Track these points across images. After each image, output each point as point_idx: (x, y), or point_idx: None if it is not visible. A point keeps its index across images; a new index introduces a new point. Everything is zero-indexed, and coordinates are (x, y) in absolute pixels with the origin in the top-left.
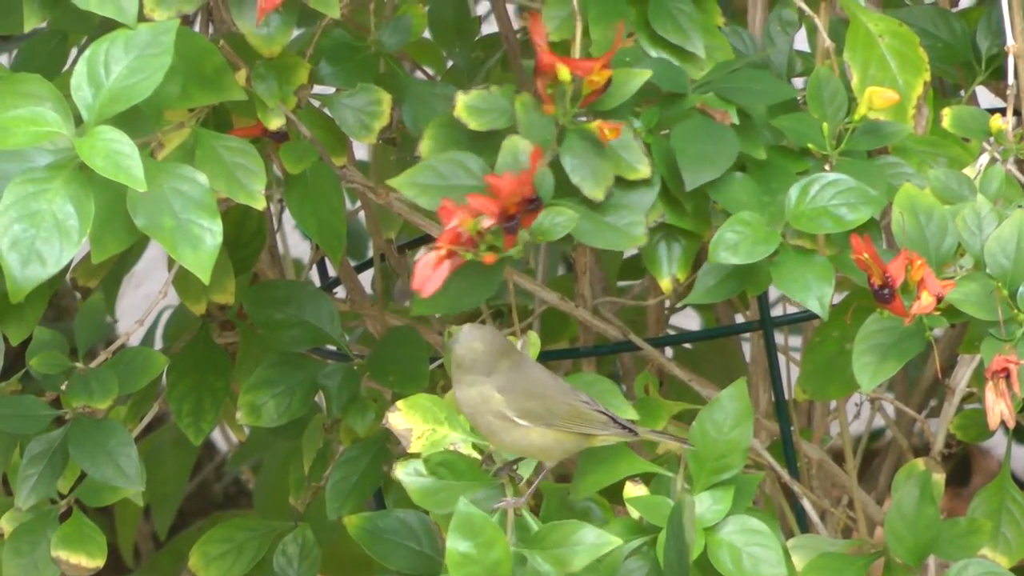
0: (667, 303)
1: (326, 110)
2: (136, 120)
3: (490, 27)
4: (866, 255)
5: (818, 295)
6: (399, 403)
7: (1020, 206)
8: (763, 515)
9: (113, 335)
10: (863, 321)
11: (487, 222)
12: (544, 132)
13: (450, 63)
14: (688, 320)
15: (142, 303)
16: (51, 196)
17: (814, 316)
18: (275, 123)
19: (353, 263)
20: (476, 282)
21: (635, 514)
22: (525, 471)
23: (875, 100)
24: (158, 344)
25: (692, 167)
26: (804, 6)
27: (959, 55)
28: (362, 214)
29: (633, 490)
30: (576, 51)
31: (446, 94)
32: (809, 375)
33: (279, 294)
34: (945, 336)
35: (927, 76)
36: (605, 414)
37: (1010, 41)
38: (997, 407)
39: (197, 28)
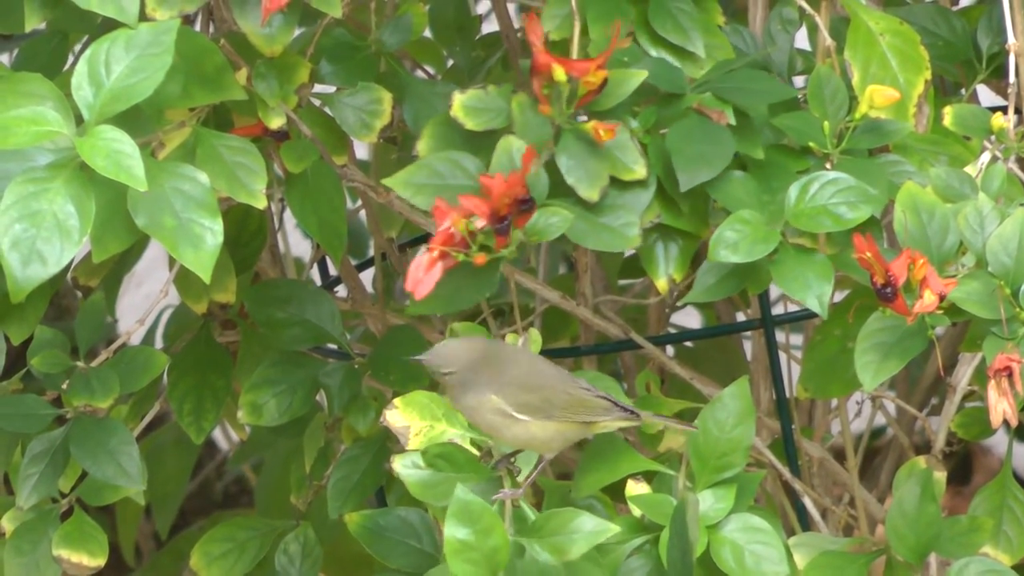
0: (668, 301)
1: (327, 109)
2: (137, 119)
3: (491, 26)
4: (868, 254)
5: (818, 294)
6: (396, 400)
7: (1022, 204)
8: (765, 513)
9: (114, 334)
10: (865, 319)
11: (479, 223)
12: (540, 132)
13: (451, 62)
14: (689, 318)
15: (143, 302)
16: (52, 196)
17: (815, 314)
18: (276, 122)
19: (354, 262)
20: (472, 282)
21: (637, 512)
22: (524, 464)
23: (876, 98)
24: (159, 343)
25: (688, 167)
26: (805, 5)
27: (960, 53)
28: (363, 213)
29: (635, 488)
30: (574, 50)
31: (447, 93)
32: (810, 373)
33: (280, 293)
34: (947, 334)
35: (928, 74)
36: (606, 399)
37: (1011, 39)
38: (999, 405)
39: (198, 27)
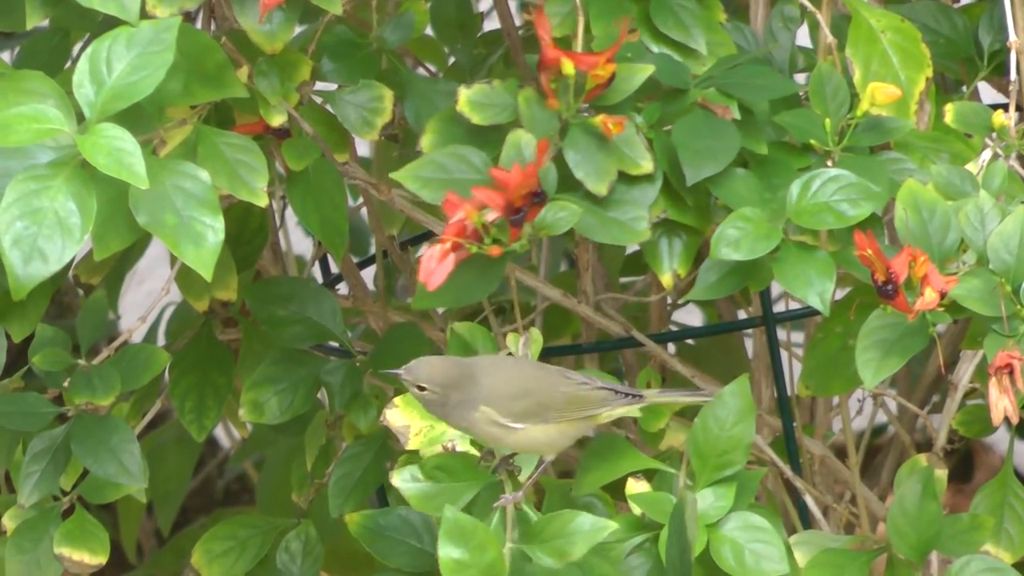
0: (669, 299)
1: (328, 107)
2: (138, 117)
3: (492, 23)
4: (869, 251)
5: (819, 291)
6: (397, 400)
7: (1023, 202)
8: (765, 511)
9: (115, 332)
10: (866, 317)
11: (492, 215)
12: (547, 127)
13: (452, 59)
14: (690, 316)
15: (144, 300)
16: (53, 193)
17: (816, 312)
18: (277, 120)
19: (355, 259)
20: (478, 277)
21: (637, 510)
22: (524, 463)
23: (877, 96)
24: (161, 341)
25: (693, 162)
26: (806, 2)
27: (961, 51)
28: (364, 210)
29: (635, 486)
30: (578, 47)
31: (448, 90)
32: (812, 371)
33: (281, 291)
34: (948, 332)
35: (929, 72)
36: (606, 388)
37: (1012, 37)
38: (1000, 403)
39: (199, 25)
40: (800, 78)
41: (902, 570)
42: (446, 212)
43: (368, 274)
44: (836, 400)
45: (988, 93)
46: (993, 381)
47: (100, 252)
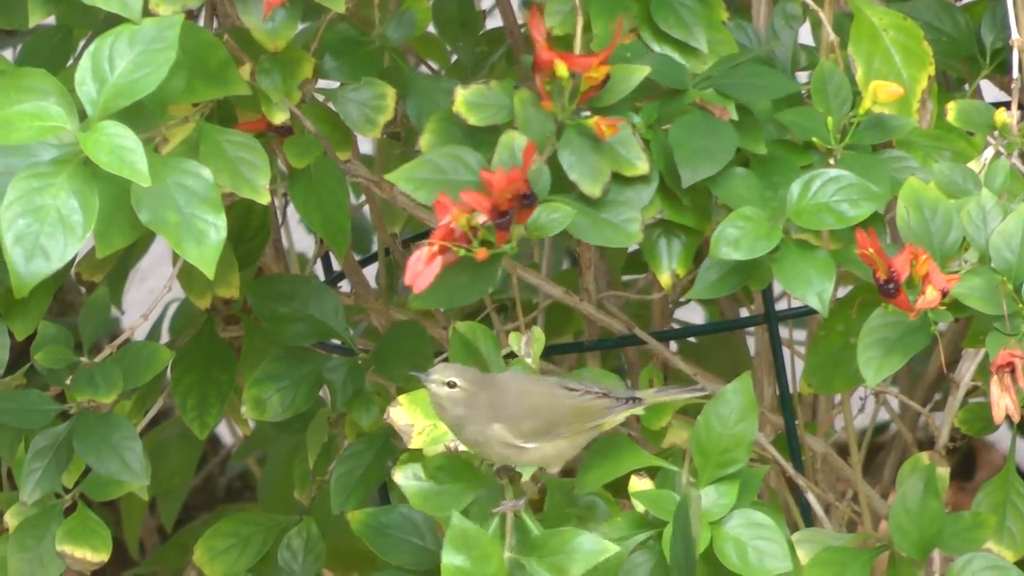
0: (671, 297)
1: (330, 104)
2: (140, 115)
3: (494, 21)
4: (871, 250)
5: (818, 291)
6: (401, 398)
7: None
8: (768, 509)
9: (118, 329)
10: (868, 315)
11: (480, 218)
12: (543, 128)
13: (454, 58)
14: (693, 314)
15: (147, 297)
16: (55, 191)
17: None
18: (279, 117)
19: (357, 257)
20: (473, 277)
21: (640, 508)
22: (525, 469)
23: (879, 94)
24: (163, 338)
25: (690, 162)
26: (808, 0)
27: (963, 49)
28: (366, 208)
29: (638, 484)
30: (578, 46)
31: (450, 88)
32: (814, 369)
33: (283, 288)
34: (949, 330)
35: (931, 70)
36: (606, 395)
37: (1015, 35)
38: (1002, 401)
39: (201, 22)
40: (802, 76)
41: (904, 568)
42: (437, 214)
43: (370, 272)
44: (838, 398)
45: (990, 91)
46: (995, 379)
47: (102, 250)
